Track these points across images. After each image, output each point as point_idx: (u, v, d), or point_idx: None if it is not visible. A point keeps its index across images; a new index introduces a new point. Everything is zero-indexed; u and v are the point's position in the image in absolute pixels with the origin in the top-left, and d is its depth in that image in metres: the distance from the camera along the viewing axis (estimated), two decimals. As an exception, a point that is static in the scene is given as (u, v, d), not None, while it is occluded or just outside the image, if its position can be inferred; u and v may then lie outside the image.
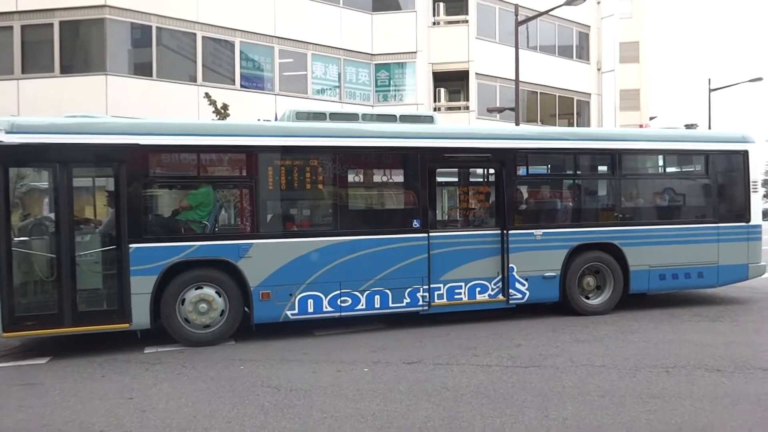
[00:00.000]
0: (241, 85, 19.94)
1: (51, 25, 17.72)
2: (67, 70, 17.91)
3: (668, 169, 9.44)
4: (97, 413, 4.78)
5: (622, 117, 31.45)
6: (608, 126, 27.42)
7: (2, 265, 6.29)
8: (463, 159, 8.31)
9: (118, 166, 6.73)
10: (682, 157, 9.35)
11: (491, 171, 8.47)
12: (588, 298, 8.45)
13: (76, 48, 18.43)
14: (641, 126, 33.71)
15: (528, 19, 18.82)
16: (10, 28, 17.80)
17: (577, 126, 26.86)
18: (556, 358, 6.17)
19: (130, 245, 6.66)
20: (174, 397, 5.15)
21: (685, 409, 4.63)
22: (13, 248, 6.47)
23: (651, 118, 39.85)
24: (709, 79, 28.25)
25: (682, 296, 9.72)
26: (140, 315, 6.72)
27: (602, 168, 9.09)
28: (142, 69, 18.60)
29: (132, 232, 6.69)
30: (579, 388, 5.15)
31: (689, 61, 77.68)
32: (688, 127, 9.37)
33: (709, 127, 28.11)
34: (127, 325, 6.72)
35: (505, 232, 7.97)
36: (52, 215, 6.79)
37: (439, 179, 8.45)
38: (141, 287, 6.69)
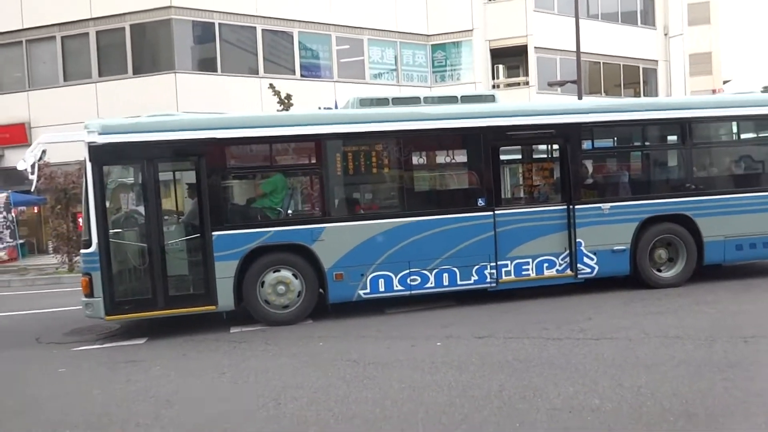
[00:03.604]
0: (301, 75, 20.44)
1: (123, 29, 18.75)
2: (139, 70, 18.94)
3: (742, 136, 9.07)
4: (196, 386, 5.26)
5: (693, 83, 30.01)
6: (678, 93, 26.29)
7: (102, 255, 6.90)
8: (526, 136, 8.32)
9: (198, 159, 7.20)
10: (757, 122, 8.97)
11: (555, 147, 8.46)
12: (660, 270, 8.32)
13: (146, 49, 19.41)
14: (714, 91, 32.09)
15: (588, -12, 18.27)
16: (86, 34, 18.96)
17: (644, 95, 25.88)
18: (629, 330, 6.19)
19: (213, 233, 7.14)
20: (262, 371, 5.56)
21: (763, 376, 4.62)
22: (110, 239, 7.07)
23: (725, 82, 37.80)
24: (789, 37, 26.49)
25: (762, 266, 9.39)
26: (225, 297, 7.20)
27: (670, 138, 8.88)
28: (207, 65, 19.42)
29: (214, 221, 7.16)
30: (653, 359, 5.18)
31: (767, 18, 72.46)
32: (766, 89, 8.91)
33: (790, 88, 26.43)
34: (214, 307, 7.22)
35: (571, 207, 7.96)
36: (141, 208, 7.37)
37: (502, 157, 8.52)
38: (224, 272, 7.17)
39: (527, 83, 22.92)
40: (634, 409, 4.12)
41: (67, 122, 17.07)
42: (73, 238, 15.17)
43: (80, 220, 15.42)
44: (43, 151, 6.90)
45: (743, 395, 4.27)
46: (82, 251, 7.11)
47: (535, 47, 22.70)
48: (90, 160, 6.91)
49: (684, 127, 8.37)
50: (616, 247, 8.05)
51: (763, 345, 5.42)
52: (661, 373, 4.80)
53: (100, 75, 19.08)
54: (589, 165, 8.50)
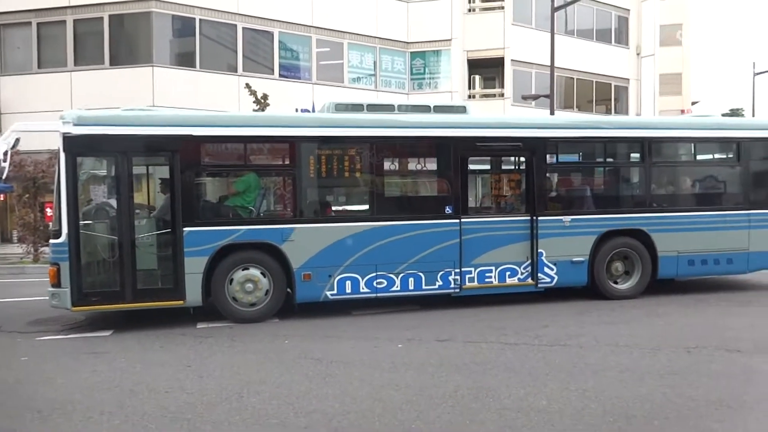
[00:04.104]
0: (280, 75, 20.51)
1: (101, 18, 18.59)
2: (115, 62, 18.78)
3: (699, 157, 9.52)
4: (161, 378, 5.36)
5: (663, 102, 30.90)
6: (647, 112, 27.10)
7: (72, 245, 6.93)
8: (494, 148, 8.62)
9: (173, 155, 7.28)
10: (713, 144, 9.44)
11: (522, 159, 8.76)
12: (616, 282, 8.69)
13: (125, 41, 19.27)
14: (682, 111, 33.09)
15: (565, 5, 18.80)
16: (64, 22, 18.74)
17: (615, 112, 26.60)
18: (581, 338, 6.49)
19: (185, 229, 7.23)
20: (227, 365, 5.69)
21: (701, 383, 4.93)
22: (81, 230, 7.09)
23: (693, 103, 38.93)
24: (753, 63, 27.63)
25: (713, 282, 9.84)
26: (193, 293, 7.30)
27: (631, 156, 9.27)
28: (185, 60, 19.35)
29: (186, 217, 7.26)
30: (601, 365, 5.48)
31: (735, 43, 75.11)
32: (733, 111, 9.42)
33: (753, 112, 27.49)
34: (182, 302, 7.31)
35: (534, 218, 8.27)
36: (113, 200, 7.43)
37: (471, 167, 8.80)
38: (194, 267, 7.27)
39: (502, 95, 23.38)
40: (577, 410, 4.39)
41: (40, 110, 16.85)
42: (40, 227, 15.03)
43: (48, 210, 15.32)
44: (17, 139, 6.91)
45: (680, 400, 4.57)
46: (52, 241, 7.13)
47: (511, 60, 23.19)
48: (64, 151, 6.94)
49: (644, 145, 8.77)
50: (575, 259, 8.38)
51: (704, 355, 5.76)
52: (607, 379, 5.09)
53: (75, 64, 18.85)
54: (553, 178, 8.85)
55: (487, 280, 8.18)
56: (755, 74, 27.37)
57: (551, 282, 8.34)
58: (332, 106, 8.27)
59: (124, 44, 19.23)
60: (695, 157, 9.45)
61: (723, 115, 33.39)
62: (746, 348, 5.96)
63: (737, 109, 43.39)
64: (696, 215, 8.86)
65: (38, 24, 18.97)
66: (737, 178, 9.19)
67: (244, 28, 19.89)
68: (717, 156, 9.65)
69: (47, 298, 7.25)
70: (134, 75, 18.31)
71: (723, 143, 9.34)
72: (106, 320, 7.83)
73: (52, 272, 7.02)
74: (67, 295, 6.97)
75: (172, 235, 7.30)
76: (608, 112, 26.49)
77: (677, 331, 6.79)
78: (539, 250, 8.24)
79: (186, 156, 7.30)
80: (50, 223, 14.43)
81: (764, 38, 76.94)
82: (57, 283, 7.00)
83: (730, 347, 5.99)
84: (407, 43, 22.63)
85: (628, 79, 27.29)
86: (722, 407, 4.44)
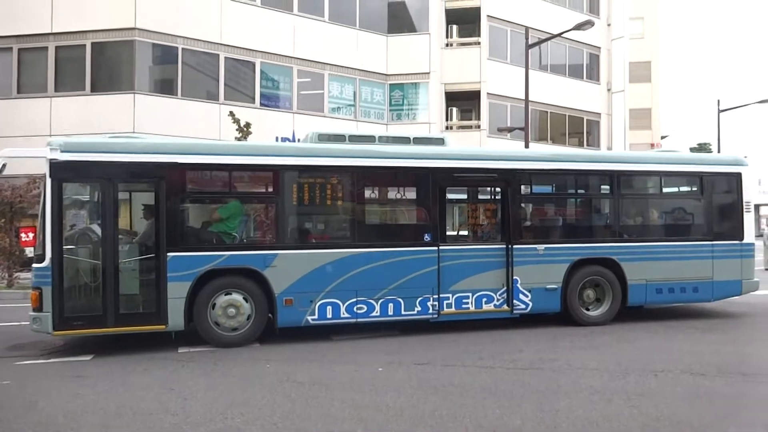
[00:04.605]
0: (261, 104, 20.80)
1: (83, 46, 18.72)
2: (97, 88, 18.87)
3: (665, 190, 9.95)
4: (145, 400, 5.43)
5: (634, 136, 31.93)
6: (618, 145, 28.00)
7: (55, 270, 6.99)
8: (471, 178, 8.94)
9: (159, 181, 7.45)
10: (679, 178, 9.91)
11: (497, 190, 9.10)
12: (588, 309, 8.99)
13: (106, 68, 19.37)
14: (652, 145, 34.19)
15: (538, 42, 19.55)
16: (45, 48, 18.82)
17: (587, 145, 27.45)
18: (554, 362, 6.73)
19: (168, 254, 7.35)
20: (210, 388, 5.79)
21: (666, 405, 5.19)
22: (64, 255, 7.16)
23: (662, 137, 40.21)
24: (718, 101, 28.71)
25: (680, 310, 10.22)
26: (175, 317, 7.37)
27: (601, 188, 9.68)
28: (167, 88, 19.54)
29: (170, 242, 7.38)
30: (572, 387, 5.71)
31: (702, 80, 78.20)
32: (701, 146, 9.92)
33: (719, 148, 28.54)
34: (164, 326, 7.38)
35: (510, 246, 8.57)
36: (96, 225, 7.52)
37: (449, 196, 9.10)
38: (177, 292, 7.36)
39: (479, 127, 24.00)
40: (549, 429, 4.61)
41: (19, 135, 16.90)
42: (16, 252, 14.84)
43: (23, 234, 15.16)
44: (4, 165, 7.00)
45: (645, 419, 4.82)
46: (35, 265, 7.16)
47: (487, 93, 23.89)
48: (50, 176, 7.05)
49: (613, 178, 9.19)
50: (549, 286, 8.68)
51: (670, 378, 6.04)
52: (578, 400, 5.32)
53: (56, 90, 18.89)
54: (527, 208, 9.20)
55: (464, 306, 8.41)
56: (720, 111, 28.51)
57: (526, 308, 8.61)
58: (315, 136, 8.54)
59: (105, 71, 19.32)
60: (662, 190, 9.87)
61: (691, 149, 34.52)
62: (710, 372, 6.25)
63: (705, 144, 44.90)
64: (663, 245, 9.27)
65: (19, 50, 19.00)
66: (701, 211, 9.65)
67: (226, 58, 20.20)
68: (682, 189, 10.12)
69: (27, 322, 7.27)
70: (115, 102, 18.41)
71: (688, 177, 9.81)
72: (85, 345, 7.84)
73: (34, 296, 7.05)
74: (48, 319, 6.99)
75: (155, 260, 7.40)
76: (581, 144, 27.33)
77: (645, 356, 7.07)
78: (514, 278, 8.52)
79: (171, 182, 7.45)
80: (26, 248, 14.42)
81: (729, 76, 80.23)
82: (39, 308, 7.02)
83: (695, 371, 6.28)
84: (386, 75, 23.18)
85: (599, 114, 28.25)
86: (685, 427, 4.69)
